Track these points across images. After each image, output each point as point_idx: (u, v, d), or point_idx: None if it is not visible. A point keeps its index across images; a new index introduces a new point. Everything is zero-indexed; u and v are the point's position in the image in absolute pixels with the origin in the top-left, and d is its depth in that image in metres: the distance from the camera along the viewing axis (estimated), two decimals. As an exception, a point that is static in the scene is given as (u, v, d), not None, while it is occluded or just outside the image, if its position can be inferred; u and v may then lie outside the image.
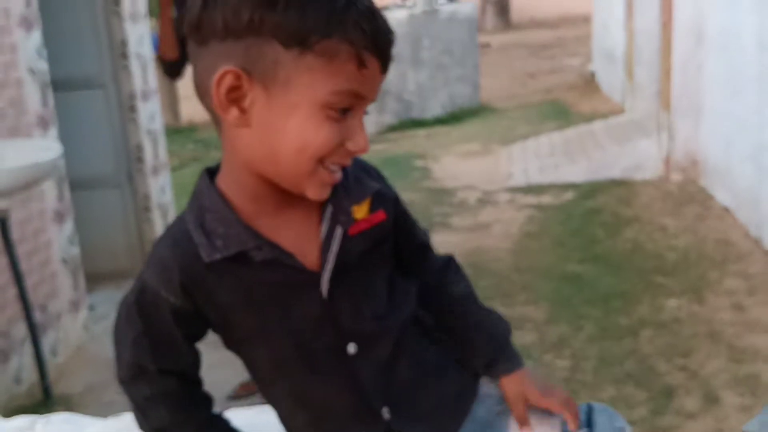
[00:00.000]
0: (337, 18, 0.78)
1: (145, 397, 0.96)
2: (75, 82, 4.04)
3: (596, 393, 2.75)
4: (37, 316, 3.09)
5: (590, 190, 5.27)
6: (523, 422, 1.04)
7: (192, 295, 0.89)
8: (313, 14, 0.77)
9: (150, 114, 4.34)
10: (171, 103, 11.58)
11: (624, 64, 7.19)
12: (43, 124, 3.33)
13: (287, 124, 0.81)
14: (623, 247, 4.12)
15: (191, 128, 11.14)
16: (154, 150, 4.38)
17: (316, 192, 0.86)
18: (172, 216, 4.56)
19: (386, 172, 1.05)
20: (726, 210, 4.43)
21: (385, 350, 0.96)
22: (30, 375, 3.10)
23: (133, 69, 4.16)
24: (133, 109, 4.20)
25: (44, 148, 2.94)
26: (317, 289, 0.91)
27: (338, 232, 0.91)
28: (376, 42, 0.80)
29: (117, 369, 0.97)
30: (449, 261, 1.10)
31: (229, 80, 0.81)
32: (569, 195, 5.23)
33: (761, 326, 3.12)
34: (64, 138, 3.46)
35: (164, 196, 4.47)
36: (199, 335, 0.96)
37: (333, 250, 0.91)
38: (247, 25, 0.79)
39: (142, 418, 0.98)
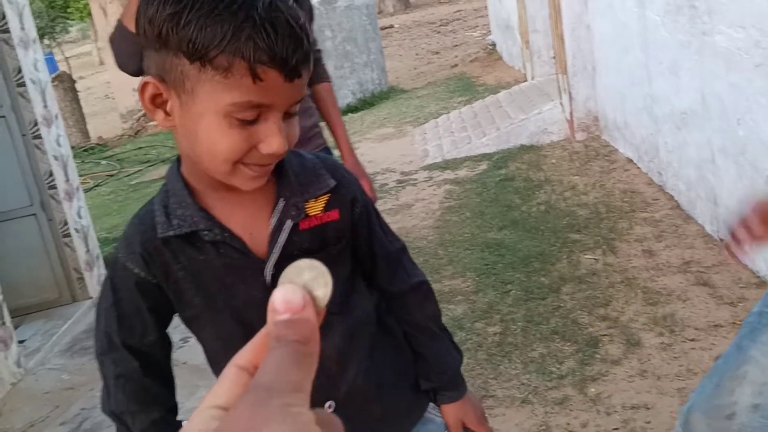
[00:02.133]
0: (233, 33, 0.81)
1: (111, 376, 1.02)
2: (-28, 117, 3.95)
3: (527, 352, 2.89)
4: (-33, 358, 3.04)
5: (502, 158, 5.44)
6: None
7: (151, 268, 0.97)
8: (212, 30, 0.81)
9: (55, 138, 4.27)
10: (78, 122, 11.28)
11: (520, 33, 7.39)
12: (-55, 164, 3.25)
13: (197, 130, 0.87)
14: (537, 210, 4.29)
15: (102, 145, 10.89)
16: (65, 174, 4.31)
17: (244, 185, 0.90)
18: (93, 239, 4.51)
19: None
20: (629, 161, 4.66)
21: (329, 348, 1.01)
22: (-33, 419, 3.05)
23: (31, 95, 4.08)
24: (36, 136, 4.12)
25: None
26: (262, 275, 0.97)
27: (287, 224, 0.97)
28: (272, 55, 0.82)
29: (94, 342, 1.03)
30: (419, 285, 1.14)
31: (150, 89, 0.88)
32: (483, 166, 5.38)
33: (671, 268, 3.32)
34: (-31, 175, 3.39)
35: (82, 220, 4.41)
36: (164, 313, 1.01)
37: (280, 241, 0.96)
38: (157, 38, 0.84)
39: (105, 397, 1.04)
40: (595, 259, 3.56)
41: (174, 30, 0.83)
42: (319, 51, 2.05)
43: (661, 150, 4.11)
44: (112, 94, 13.72)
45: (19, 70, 4.04)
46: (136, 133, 11.56)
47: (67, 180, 4.32)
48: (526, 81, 7.15)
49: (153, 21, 0.84)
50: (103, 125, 12.99)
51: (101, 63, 19.47)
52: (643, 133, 4.36)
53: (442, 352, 1.17)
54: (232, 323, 0.99)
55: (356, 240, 1.06)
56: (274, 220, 0.97)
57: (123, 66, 1.49)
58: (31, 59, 4.15)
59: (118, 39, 1.43)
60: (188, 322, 1.03)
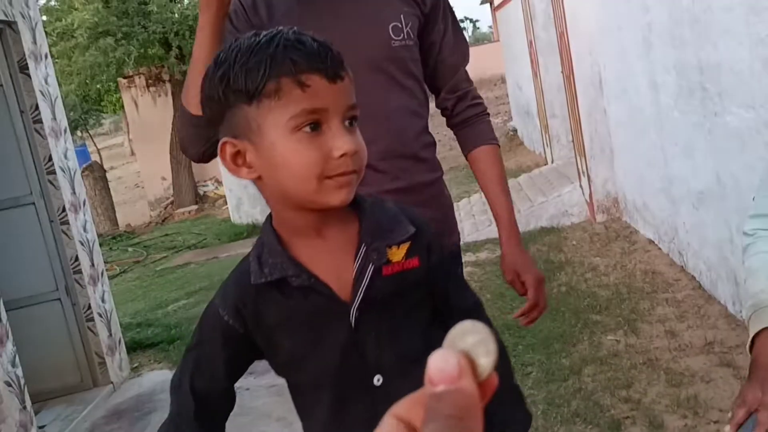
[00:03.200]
0: (271, 60, 0.91)
1: (170, 412, 1.07)
2: (3, 203, 4.08)
3: (547, 435, 2.83)
4: (-14, 443, 3.05)
5: (523, 241, 5.45)
6: None
7: (243, 317, 1.01)
8: (255, 67, 0.92)
9: (82, 224, 4.38)
10: (107, 210, 11.53)
11: (539, 118, 7.52)
12: (-26, 249, 3.35)
13: (275, 160, 0.94)
14: (558, 291, 4.27)
15: (130, 233, 11.08)
16: (90, 259, 4.39)
17: (334, 199, 0.95)
18: (115, 323, 4.55)
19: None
20: (650, 242, 4.65)
21: (412, 390, 1.02)
22: (-17, 505, 3.03)
23: (60, 183, 4.21)
24: (64, 221, 4.23)
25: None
26: (347, 319, 1.01)
27: (369, 269, 1.00)
28: (309, 61, 0.92)
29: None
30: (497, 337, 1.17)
31: (228, 148, 0.97)
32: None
33: (694, 348, 3.27)
34: (-3, 260, 3.48)
35: (105, 304, 4.46)
36: (239, 365, 1.06)
37: (363, 284, 1.00)
38: (219, 102, 0.96)
39: (163, 428, 1.08)
40: (616, 340, 3.52)
41: (228, 87, 0.94)
42: (485, 114, 1.79)
43: (680, 230, 4.11)
44: (142, 183, 14.06)
45: (50, 158, 4.19)
46: (163, 221, 11.77)
47: (92, 265, 4.40)
48: (546, 165, 7.23)
49: (211, 94, 0.96)
50: (131, 213, 13.26)
51: (132, 153, 20.01)
52: (662, 214, 4.37)
53: (509, 413, 1.16)
54: (320, 367, 1.03)
55: (434, 287, 1.09)
56: (357, 265, 1.01)
57: (186, 151, 1.50)
58: (61, 148, 4.30)
59: (180, 123, 1.46)
60: (278, 368, 1.07)
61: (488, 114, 1.81)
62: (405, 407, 0.40)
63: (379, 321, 1.02)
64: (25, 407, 3.51)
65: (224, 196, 10.70)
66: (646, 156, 4.47)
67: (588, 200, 5.53)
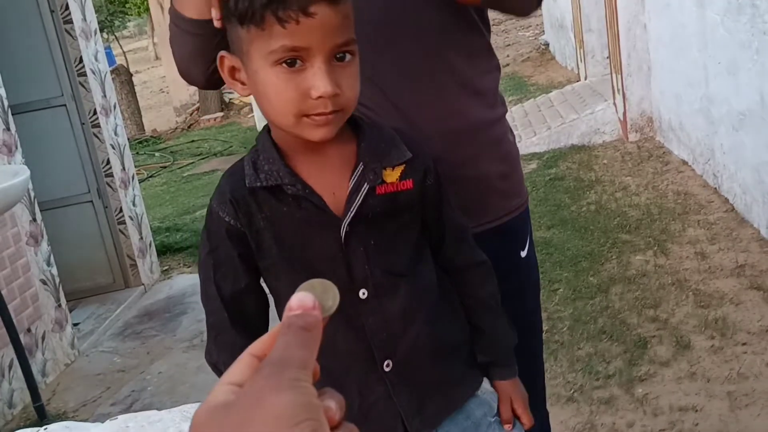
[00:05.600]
0: None
1: (207, 326, 1.10)
2: (35, 104, 4.07)
3: (573, 351, 2.87)
4: (23, 338, 3.14)
5: (552, 158, 5.39)
6: (507, 421, 1.19)
7: (239, 215, 1.03)
8: None
9: (113, 128, 4.37)
10: (134, 115, 11.54)
11: (574, 33, 7.31)
12: (8, 148, 3.37)
13: (258, 88, 0.96)
14: (587, 210, 4.25)
15: (156, 138, 11.12)
16: (122, 163, 4.41)
17: (312, 135, 0.97)
18: (146, 227, 4.60)
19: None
20: (683, 163, 4.57)
21: (394, 307, 1.06)
22: (22, 397, 3.16)
23: (91, 86, 4.18)
24: (95, 125, 4.23)
25: (11, 173, 2.98)
26: (337, 232, 1.03)
27: (365, 187, 1.02)
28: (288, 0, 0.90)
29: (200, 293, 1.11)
30: (482, 262, 1.17)
31: (225, 62, 1.00)
32: (533, 165, 5.34)
33: (724, 271, 3.26)
34: (30, 160, 3.50)
35: (136, 208, 4.51)
36: (254, 261, 1.07)
37: (356, 202, 1.02)
38: (227, 15, 0.96)
39: (206, 347, 1.12)
40: (645, 260, 3.51)
41: (229, 5, 0.94)
42: None
43: (716, 152, 4.03)
44: (167, 89, 13.99)
45: (80, 60, 4.15)
46: (189, 127, 11.76)
47: (123, 169, 4.42)
48: (578, 81, 7.07)
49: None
50: (157, 118, 13.25)
51: (157, 58, 19.83)
52: (699, 134, 4.28)
53: (499, 328, 1.19)
54: (304, 274, 1.03)
55: (427, 209, 1.10)
56: (352, 183, 1.02)
57: (187, 72, 1.21)
58: (92, 50, 4.26)
59: (175, 38, 1.18)
60: (264, 272, 1.09)
61: None
62: (259, 345, 0.50)
63: (369, 237, 1.04)
64: (60, 305, 3.60)
65: (250, 104, 10.63)
66: (685, 74, 4.35)
67: (621, 119, 5.43)
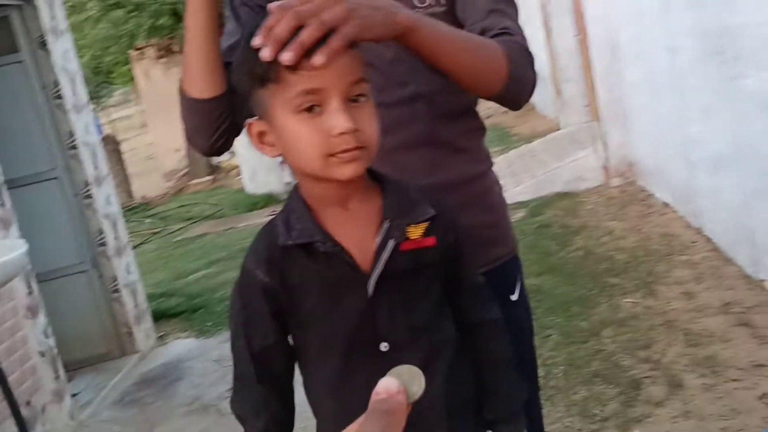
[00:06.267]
0: None
1: (234, 377, 1.14)
2: (28, 178, 4.15)
3: (569, 395, 2.91)
4: (23, 411, 3.15)
5: (538, 206, 5.50)
6: None
7: (272, 273, 1.08)
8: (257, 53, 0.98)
9: (105, 197, 4.45)
10: (122, 182, 11.62)
11: (552, 83, 7.51)
12: (4, 223, 3.43)
13: (286, 141, 1.02)
14: (575, 255, 4.33)
15: (146, 204, 11.18)
16: (115, 232, 4.47)
17: (343, 174, 1.01)
18: (141, 293, 4.64)
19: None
20: (665, 205, 4.68)
21: (413, 361, 1.08)
22: (24, 470, 3.14)
23: (83, 158, 4.27)
24: (88, 195, 4.30)
25: (9, 247, 3.03)
26: (365, 288, 1.08)
27: (390, 244, 1.07)
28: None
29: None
30: (495, 320, 1.22)
31: (253, 128, 1.06)
32: (520, 214, 5.44)
33: (712, 309, 3.32)
34: (25, 233, 3.55)
35: (131, 276, 4.55)
36: (282, 318, 1.11)
37: (383, 258, 1.07)
38: (242, 88, 1.05)
39: (231, 398, 1.16)
40: (634, 302, 3.58)
41: (244, 71, 1.03)
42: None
43: (697, 194, 4.14)
44: (154, 155, 14.12)
45: (71, 134, 4.25)
46: (178, 192, 11.85)
47: (117, 237, 4.48)
48: (559, 129, 7.23)
49: (240, 76, 1.05)
50: (146, 185, 13.33)
51: (142, 126, 20.05)
52: (678, 177, 4.40)
53: (508, 386, 1.22)
54: (333, 329, 1.09)
55: (447, 265, 1.14)
56: (379, 239, 1.07)
57: (194, 142, 1.34)
58: (83, 123, 4.36)
59: (184, 112, 1.30)
60: (295, 327, 1.13)
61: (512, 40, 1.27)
62: (349, 428, 0.55)
63: (394, 292, 1.08)
64: (58, 376, 3.62)
65: (238, 167, 10.75)
66: (662, 120, 4.49)
67: (603, 165, 5.55)
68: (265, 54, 0.94)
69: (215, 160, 12.37)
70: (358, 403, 1.10)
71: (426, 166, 1.32)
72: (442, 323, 1.15)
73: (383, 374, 1.10)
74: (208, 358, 4.31)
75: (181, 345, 4.61)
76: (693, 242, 4.06)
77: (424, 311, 1.12)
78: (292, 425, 1.16)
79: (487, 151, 1.46)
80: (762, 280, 3.39)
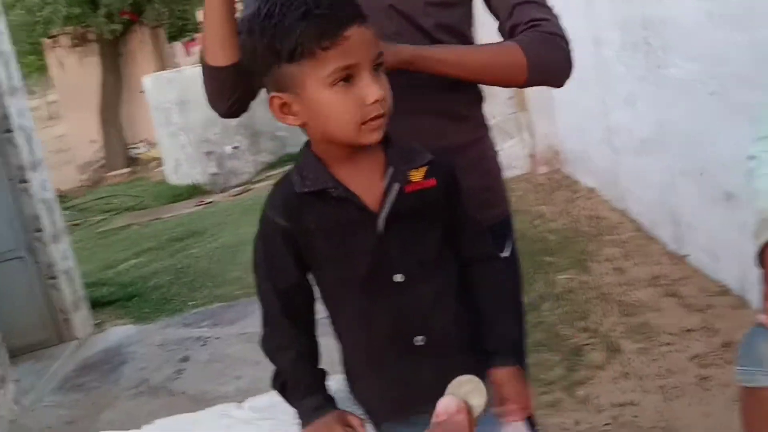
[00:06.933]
0: (300, 31, 1.08)
1: (262, 318, 1.23)
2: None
3: (517, 363, 3.08)
4: (-30, 395, 3.10)
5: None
6: (498, 405, 1.25)
7: (291, 219, 1.18)
8: (289, 31, 1.08)
9: (41, 183, 4.37)
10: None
11: (477, 76, 7.75)
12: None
13: (320, 111, 1.12)
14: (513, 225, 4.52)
15: (62, 197, 10.83)
16: (51, 218, 4.39)
17: (370, 139, 1.14)
18: (77, 281, 4.57)
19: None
20: (591, 190, 4.95)
21: (427, 290, 1.22)
22: (-29, 455, 3.09)
23: (18, 141, 4.18)
24: (24, 180, 4.21)
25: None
26: (375, 225, 1.18)
27: (395, 186, 1.19)
28: (326, 30, 1.07)
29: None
30: (496, 257, 1.33)
31: (276, 102, 1.15)
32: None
33: (641, 282, 3.58)
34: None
35: (67, 262, 4.48)
36: (302, 259, 1.21)
37: (390, 199, 1.18)
38: (265, 58, 1.13)
39: (260, 337, 1.24)
40: (570, 278, 3.80)
41: (271, 47, 1.11)
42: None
43: (621, 178, 4.41)
44: (68, 147, 13.68)
45: (6, 117, 4.15)
46: (94, 184, 11.56)
47: (53, 223, 4.40)
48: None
49: (256, 51, 1.13)
50: (59, 177, 12.87)
51: (50, 117, 19.34)
52: (603, 163, 4.66)
53: (509, 319, 1.32)
54: (350, 269, 1.20)
55: (448, 205, 1.25)
56: (385, 183, 1.19)
57: (214, 106, 1.47)
58: (18, 106, 4.26)
59: (204, 79, 1.43)
60: (313, 268, 1.23)
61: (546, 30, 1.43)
62: None
63: (402, 230, 1.20)
64: (2, 362, 3.55)
65: (158, 159, 10.58)
66: (587, 109, 4.75)
67: (531, 153, 5.80)
68: None
69: (133, 152, 12.13)
70: (378, 334, 1.21)
71: (428, 134, 1.40)
72: (448, 259, 1.26)
73: (401, 306, 1.22)
74: (150, 343, 4.30)
75: (120, 331, 4.57)
76: (619, 223, 4.33)
77: (432, 247, 1.23)
78: (319, 359, 1.26)
79: (485, 118, 1.57)
80: (685, 256, 3.66)
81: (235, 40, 1.36)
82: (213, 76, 1.40)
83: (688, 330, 3.06)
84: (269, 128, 8.79)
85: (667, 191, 3.77)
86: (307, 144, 1.22)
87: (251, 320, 4.19)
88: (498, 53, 1.40)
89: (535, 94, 5.54)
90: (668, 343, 3.01)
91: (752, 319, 1.34)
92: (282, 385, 1.24)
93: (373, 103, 1.10)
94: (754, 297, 2.96)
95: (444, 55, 1.38)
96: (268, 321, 1.24)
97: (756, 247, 1.35)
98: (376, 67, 1.13)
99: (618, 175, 4.46)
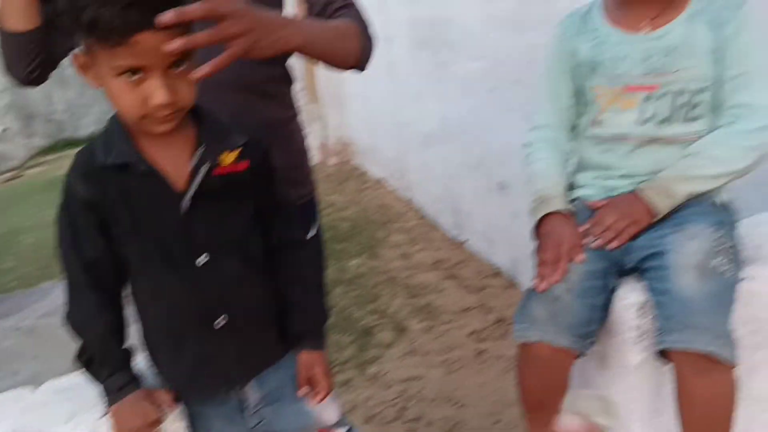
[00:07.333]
0: (94, 17, 1.02)
1: (68, 291, 1.18)
2: None
3: (310, 345, 3.17)
4: None
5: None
6: (301, 386, 1.35)
7: (92, 188, 1.14)
8: (89, 13, 1.02)
9: None
10: None
11: (268, 66, 7.76)
12: None
13: (106, 89, 1.10)
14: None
15: None
16: None
17: (156, 130, 1.13)
18: None
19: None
20: (379, 181, 5.17)
21: (229, 270, 1.22)
22: None
23: None
24: None
25: None
26: (179, 205, 1.17)
27: (204, 168, 1.17)
28: (114, 32, 1.02)
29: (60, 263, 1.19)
30: (306, 242, 1.35)
31: (78, 60, 1.11)
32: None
33: (425, 266, 3.81)
34: None
35: None
36: (107, 229, 1.17)
37: (196, 181, 1.17)
38: (70, 23, 1.07)
39: (65, 309, 1.19)
40: (360, 264, 3.95)
41: (77, 19, 1.05)
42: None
43: (408, 169, 4.65)
44: None
45: None
46: None
47: None
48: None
49: (65, 13, 1.07)
50: None
51: None
52: (392, 155, 4.89)
53: (317, 302, 1.39)
54: (151, 243, 1.18)
55: (260, 189, 1.26)
56: (193, 163, 1.18)
57: (12, 73, 1.41)
58: None
59: (2, 47, 1.37)
60: (116, 241, 1.19)
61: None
62: None
63: (208, 210, 1.20)
64: None
65: None
66: (377, 103, 4.95)
67: (321, 144, 5.92)
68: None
69: None
70: (179, 312, 1.22)
71: (236, 108, 1.42)
72: (253, 241, 1.28)
73: (201, 285, 1.23)
74: None
75: None
76: (406, 211, 4.56)
77: (238, 228, 1.25)
78: (126, 337, 1.23)
79: (294, 100, 1.60)
80: (464, 241, 3.95)
81: (35, 5, 1.30)
82: (10, 42, 1.35)
83: (467, 309, 3.32)
84: (44, 110, 8.21)
85: (449, 182, 4.04)
86: (116, 113, 1.19)
87: (28, 312, 3.93)
88: (345, 34, 1.38)
89: (327, 86, 5.67)
90: (449, 322, 3.24)
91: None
92: (88, 361, 1.21)
93: (157, 105, 1.08)
94: (524, 278, 3.29)
95: (317, 43, 1.30)
96: (74, 294, 1.19)
97: (532, 223, 1.51)
98: (178, 61, 1.09)
99: (405, 167, 4.70)
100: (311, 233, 1.63)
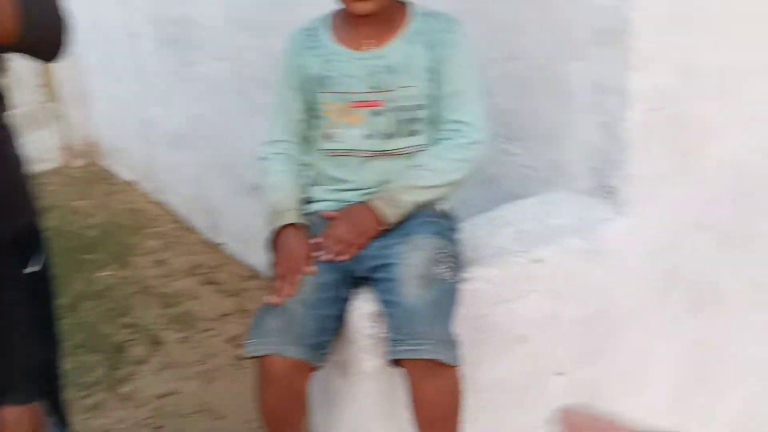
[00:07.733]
0: None
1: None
2: None
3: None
4: None
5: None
6: None
7: None
8: None
9: None
10: None
11: (0, 59, 7.07)
12: None
13: None
14: (45, 237, 4.27)
15: None
16: None
17: None
18: None
19: None
20: (129, 183, 4.92)
21: None
22: None
23: None
24: None
25: None
26: None
27: None
28: None
29: None
30: (30, 277, 1.26)
31: None
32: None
33: (182, 272, 3.69)
34: None
35: None
36: None
37: None
38: None
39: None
40: (110, 274, 3.74)
41: None
42: None
43: (159, 171, 4.47)
44: None
45: None
46: None
47: None
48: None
49: None
50: None
51: None
52: (140, 156, 4.67)
53: (23, 349, 1.26)
54: None
55: None
56: None
57: None
58: None
59: None
60: None
61: None
62: None
63: None
64: None
65: None
66: (123, 102, 4.69)
67: (62, 145, 5.51)
68: None
69: None
70: None
71: None
72: None
73: None
74: None
75: None
76: (159, 215, 4.39)
77: None
78: None
79: (3, 116, 1.44)
80: (220, 244, 3.88)
81: None
82: None
83: (225, 314, 3.27)
84: None
85: (201, 183, 3.94)
86: None
87: None
88: None
89: (68, 83, 5.28)
90: (207, 329, 3.18)
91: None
92: None
93: None
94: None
95: None
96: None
97: (268, 234, 1.51)
98: None
99: (155, 168, 4.51)
100: (34, 267, 1.48)
